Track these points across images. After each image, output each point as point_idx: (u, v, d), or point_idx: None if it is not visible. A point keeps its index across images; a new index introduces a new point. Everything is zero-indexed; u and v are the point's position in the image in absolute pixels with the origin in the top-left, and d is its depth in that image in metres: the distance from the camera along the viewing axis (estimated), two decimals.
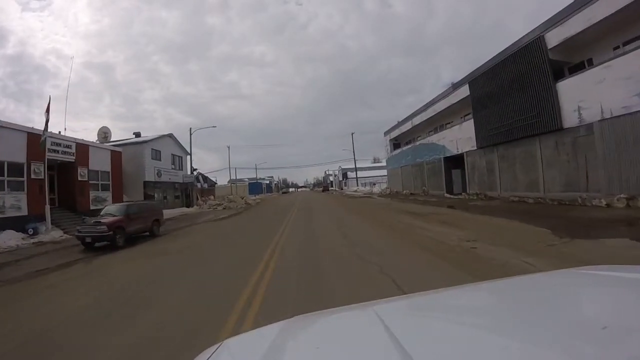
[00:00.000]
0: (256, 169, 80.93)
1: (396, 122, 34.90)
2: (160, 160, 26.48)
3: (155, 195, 25.19)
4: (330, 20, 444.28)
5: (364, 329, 0.93)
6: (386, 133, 38.34)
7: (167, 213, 23.82)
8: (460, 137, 22.04)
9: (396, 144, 36.66)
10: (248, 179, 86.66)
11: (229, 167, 58.01)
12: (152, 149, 25.59)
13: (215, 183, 42.71)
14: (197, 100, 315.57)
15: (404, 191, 30.05)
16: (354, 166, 78.12)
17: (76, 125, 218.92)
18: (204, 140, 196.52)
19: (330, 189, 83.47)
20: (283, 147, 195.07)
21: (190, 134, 30.97)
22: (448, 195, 23.14)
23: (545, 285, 1.18)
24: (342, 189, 76.01)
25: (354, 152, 57.86)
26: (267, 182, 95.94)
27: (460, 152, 22.08)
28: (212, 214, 23.52)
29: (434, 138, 25.73)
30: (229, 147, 58.76)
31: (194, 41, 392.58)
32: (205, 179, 38.13)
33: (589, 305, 0.96)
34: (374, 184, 52.96)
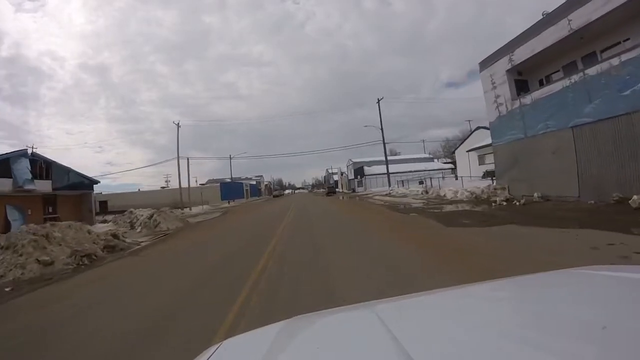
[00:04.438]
0: (230, 158, 58.99)
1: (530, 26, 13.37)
2: None
3: None
4: (328, 19, 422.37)
5: (364, 329, 0.90)
6: (486, 63, 16.85)
7: None
8: None
9: (521, 81, 15.30)
10: (230, 179, 65.34)
11: (177, 157, 36.39)
12: None
13: (96, 182, 20.99)
14: (194, 101, 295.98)
15: (620, 197, 8.64)
16: (368, 160, 56.74)
17: (73, 127, 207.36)
18: (203, 142, 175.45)
19: (336, 190, 61.92)
20: (281, 147, 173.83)
21: None
22: None
23: (545, 285, 1.15)
24: (354, 191, 54.48)
25: (382, 127, 36.27)
26: (254, 182, 74.09)
27: None
28: None
29: None
30: (178, 124, 37.25)
31: (190, 41, 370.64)
32: (48, 169, 16.25)
33: (588, 305, 0.91)
34: (421, 182, 31.32)
